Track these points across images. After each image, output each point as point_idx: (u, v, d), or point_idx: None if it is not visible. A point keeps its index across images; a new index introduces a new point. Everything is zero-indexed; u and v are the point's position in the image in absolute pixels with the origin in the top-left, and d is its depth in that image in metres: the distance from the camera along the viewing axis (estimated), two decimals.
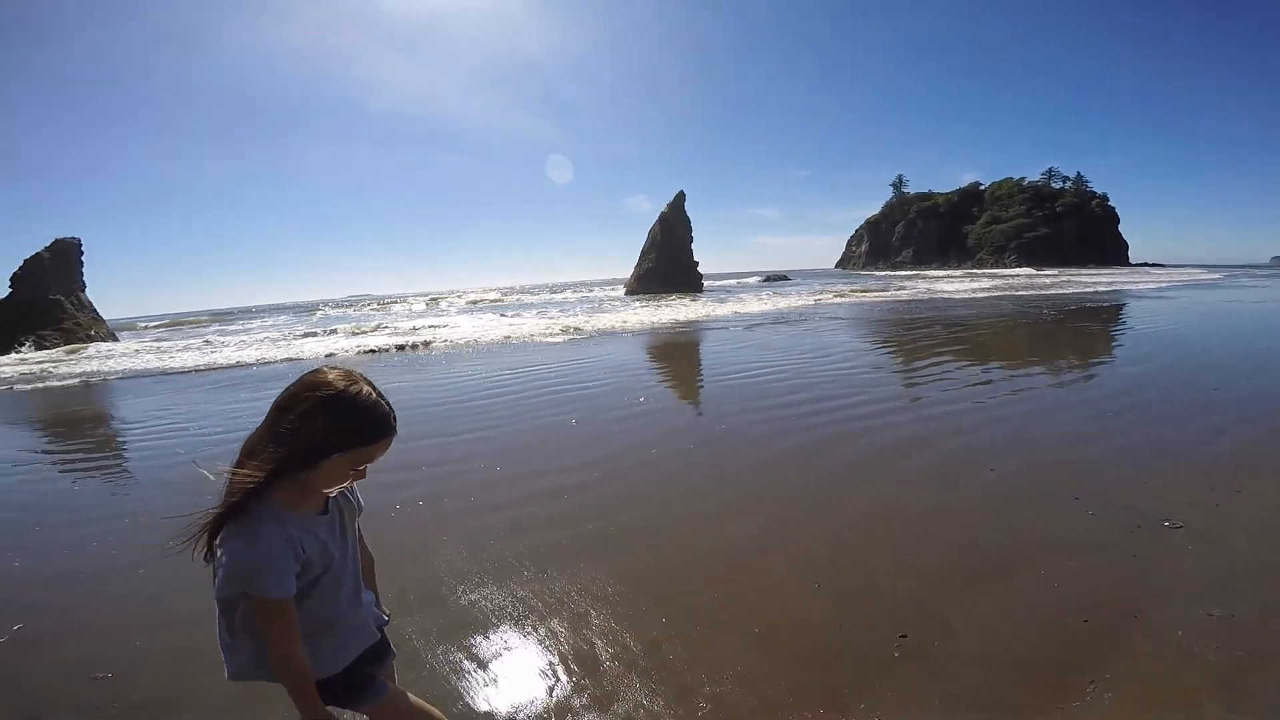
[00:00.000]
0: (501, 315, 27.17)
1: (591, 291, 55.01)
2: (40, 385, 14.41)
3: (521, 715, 2.18)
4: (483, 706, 2.22)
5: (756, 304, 25.98)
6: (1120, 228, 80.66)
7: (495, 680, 2.37)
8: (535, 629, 2.71)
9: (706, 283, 58.66)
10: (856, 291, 32.72)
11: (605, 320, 20.56)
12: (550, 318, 23.81)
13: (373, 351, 16.11)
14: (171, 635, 2.87)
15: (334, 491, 1.39)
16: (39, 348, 25.14)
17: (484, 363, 12.56)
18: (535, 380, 9.78)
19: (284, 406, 1.28)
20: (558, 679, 2.35)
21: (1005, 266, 69.05)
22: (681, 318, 20.79)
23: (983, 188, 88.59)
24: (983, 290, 28.48)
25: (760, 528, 3.62)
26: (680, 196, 45.80)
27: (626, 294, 46.73)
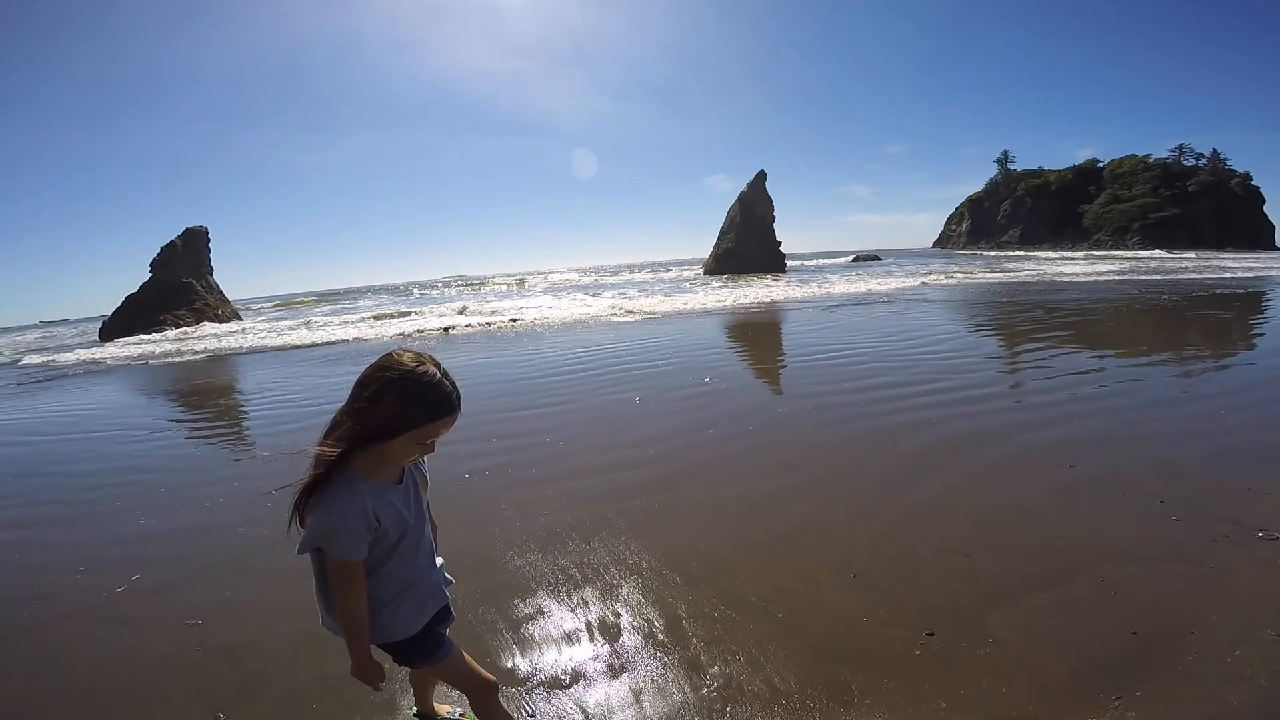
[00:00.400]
0: (580, 296, 27.72)
1: (669, 272, 54.95)
2: (175, 360, 16.32)
3: (539, 676, 2.31)
4: (506, 664, 2.37)
5: (841, 285, 24.86)
6: (1266, 208, 70.52)
7: (522, 641, 2.52)
8: (569, 596, 2.85)
9: (792, 263, 56.98)
10: (958, 272, 30.42)
11: (679, 301, 20.53)
12: (627, 297, 24.06)
13: (448, 329, 16.97)
14: (256, 588, 3.24)
15: (408, 463, 1.54)
16: (174, 326, 28.34)
17: (560, 341, 12.95)
18: (605, 359, 9.99)
19: (361, 385, 1.45)
20: (578, 645, 2.47)
21: (1127, 248, 62.10)
22: (758, 299, 20.38)
23: (1100, 165, 79.92)
24: (1106, 273, 25.59)
25: (807, 516, 3.56)
26: (760, 176, 44.57)
27: (705, 274, 46.33)
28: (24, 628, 3.09)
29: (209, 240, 34.18)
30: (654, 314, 17.21)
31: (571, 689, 2.23)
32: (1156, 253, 47.89)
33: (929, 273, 29.47)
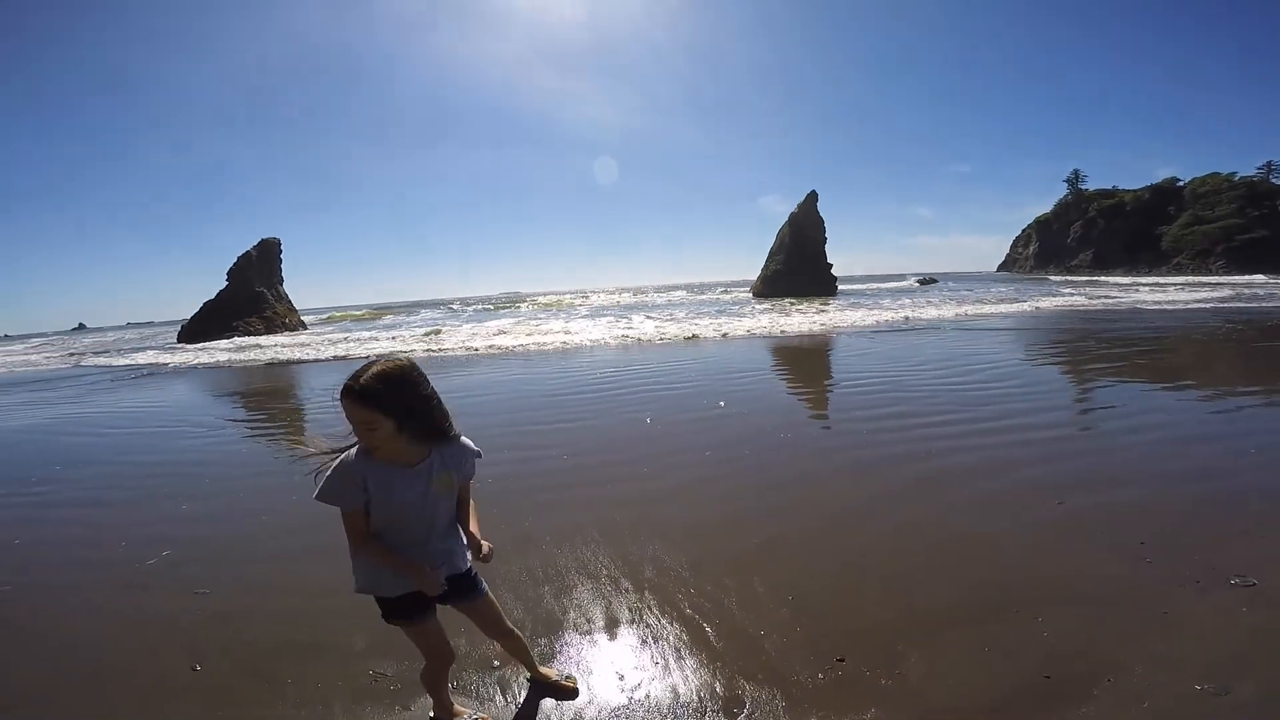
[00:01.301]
0: (621, 317, 28.12)
1: (716, 293, 54.89)
2: (242, 365, 17.56)
3: (474, 654, 2.53)
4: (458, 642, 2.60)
5: (890, 310, 24.26)
6: None
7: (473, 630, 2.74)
8: (526, 593, 3.06)
9: (849, 285, 56.04)
10: (1016, 298, 28.94)
11: (717, 324, 20.58)
12: (669, 318, 24.29)
13: (490, 347, 17.58)
14: (261, 568, 3.66)
15: (368, 444, 1.79)
16: (245, 333, 30.34)
17: (590, 361, 13.29)
18: (629, 380, 10.21)
19: None
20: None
21: (1210, 272, 57.90)
22: (798, 323, 20.21)
23: (1181, 184, 74.91)
24: (1202, 300, 23.23)
25: (769, 538, 3.65)
26: (812, 197, 44.22)
27: (752, 295, 46.12)
28: (66, 585, 3.61)
29: (280, 251, 36.53)
30: (688, 337, 17.35)
31: (499, 670, 2.44)
32: (1258, 278, 44.46)
33: (985, 298, 28.14)
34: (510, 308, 47.11)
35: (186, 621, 3.07)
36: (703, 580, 3.14)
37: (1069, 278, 62.22)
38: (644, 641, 2.65)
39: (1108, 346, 11.88)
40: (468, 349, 16.66)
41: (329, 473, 1.78)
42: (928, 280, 63.08)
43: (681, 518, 4.02)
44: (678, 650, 2.58)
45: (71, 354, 28.15)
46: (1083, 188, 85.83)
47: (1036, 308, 22.69)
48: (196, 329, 31.20)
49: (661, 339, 16.99)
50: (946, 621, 2.65)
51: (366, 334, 26.63)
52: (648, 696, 2.30)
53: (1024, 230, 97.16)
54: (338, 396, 1.73)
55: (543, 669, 2.40)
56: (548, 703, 2.30)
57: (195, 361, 19.49)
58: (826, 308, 27.94)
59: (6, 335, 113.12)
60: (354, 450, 1.79)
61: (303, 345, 22.05)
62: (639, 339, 17.29)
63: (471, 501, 2.06)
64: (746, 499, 4.33)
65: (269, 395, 11.99)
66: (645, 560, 3.41)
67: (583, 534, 3.83)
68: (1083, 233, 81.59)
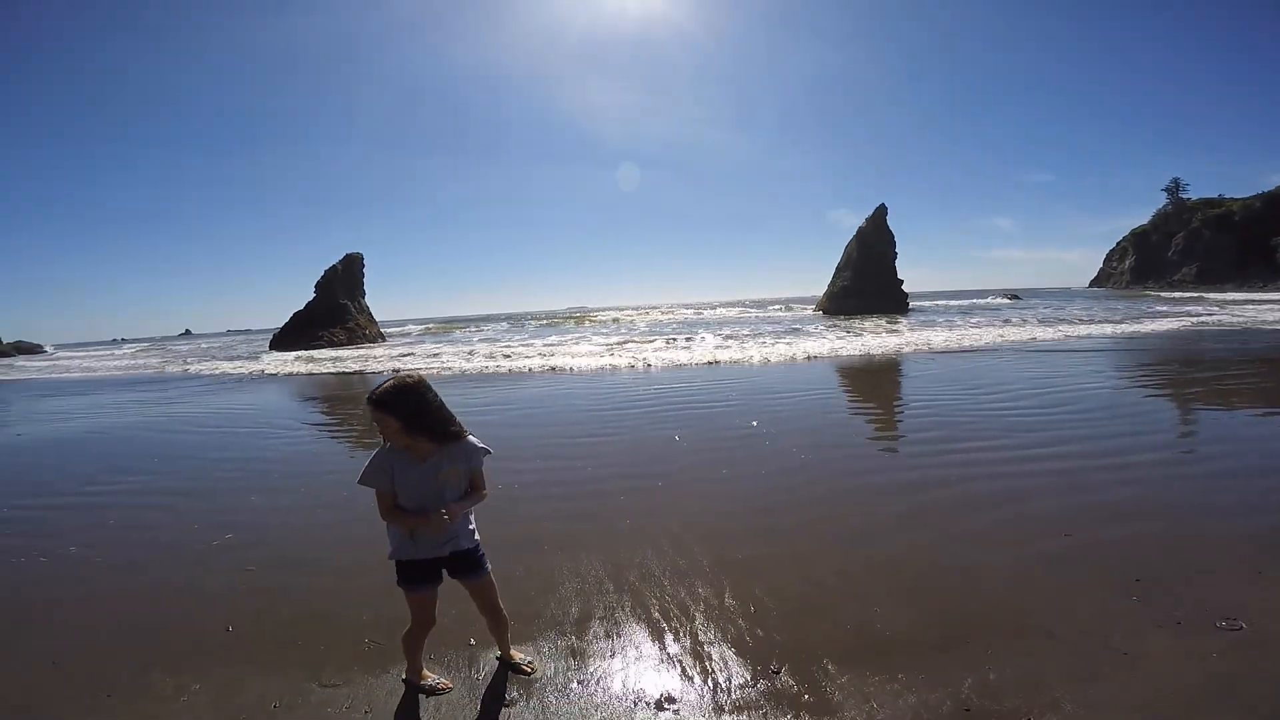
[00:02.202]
0: (676, 335, 28.25)
1: (778, 310, 54.06)
2: (324, 373, 19.01)
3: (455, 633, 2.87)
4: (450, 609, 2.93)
5: (959, 329, 23.00)
6: None
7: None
8: (516, 585, 3.35)
9: (921, 301, 53.92)
10: (1105, 317, 26.35)
11: (773, 347, 20.42)
12: (727, 337, 24.30)
13: (524, 368, 18.18)
14: (305, 552, 4.23)
15: (398, 443, 2.29)
16: (329, 343, 32.58)
17: (636, 378, 13.60)
18: (671, 398, 10.43)
19: None
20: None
21: None
22: (860, 343, 19.77)
23: None
24: None
25: (753, 554, 3.76)
26: (880, 210, 43.04)
27: (818, 312, 45.25)
28: (141, 560, 4.27)
29: (363, 266, 39.07)
30: (740, 359, 17.37)
31: (473, 648, 2.78)
32: None
33: (1074, 315, 26.12)
34: (567, 324, 47.95)
35: (231, 593, 3.60)
36: (678, 588, 3.34)
37: (1171, 294, 57.23)
38: (607, 635, 2.90)
39: (1192, 370, 11.06)
40: (522, 367, 17.36)
41: (367, 464, 2.32)
42: (1009, 296, 59.77)
43: (676, 530, 4.21)
44: (636, 647, 2.80)
45: (177, 358, 31.24)
46: (1185, 197, 78.87)
47: (1143, 329, 21.00)
48: (286, 337, 33.87)
49: (709, 361, 17.09)
50: (894, 647, 2.70)
51: (433, 346, 28.15)
52: (595, 684, 2.55)
53: (1119, 243, 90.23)
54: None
55: (512, 650, 2.71)
56: (506, 678, 2.62)
57: (279, 371, 21.23)
58: (897, 325, 27.04)
59: (122, 339, 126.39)
60: (387, 446, 2.31)
61: (376, 358, 23.57)
62: (686, 362, 17.45)
63: (481, 491, 2.48)
64: (743, 518, 4.46)
65: (343, 402, 13.02)
66: (632, 566, 3.65)
67: (583, 538, 4.13)
68: (1185, 245, 74.82)
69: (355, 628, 3.01)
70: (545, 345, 24.76)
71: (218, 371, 21.97)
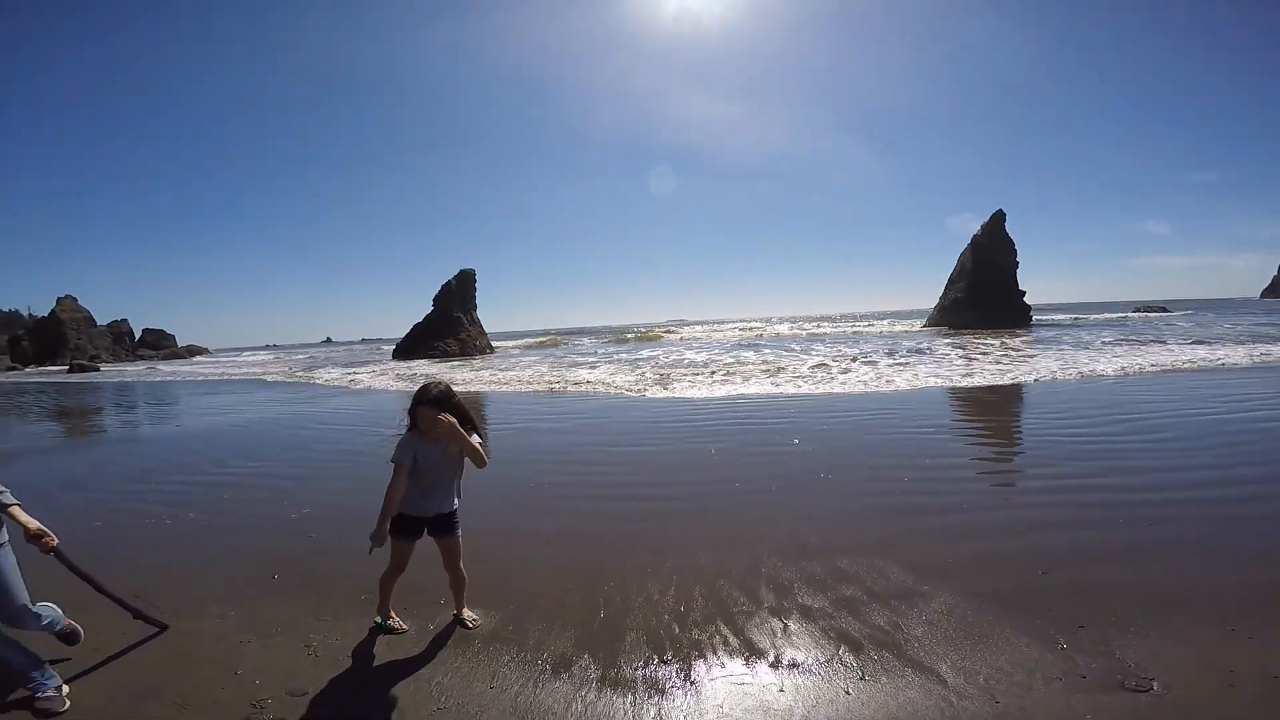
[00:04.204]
0: (759, 350, 27.95)
1: (884, 324, 51.39)
2: (448, 380, 20.98)
3: (428, 591, 3.46)
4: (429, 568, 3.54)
5: (1087, 349, 20.38)
6: None
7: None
8: (497, 570, 3.92)
9: (1048, 315, 49.47)
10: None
11: (855, 373, 19.75)
12: (836, 359, 23.80)
13: (606, 386, 18.83)
14: (357, 525, 4.98)
15: (430, 430, 2.92)
16: (443, 354, 35.51)
17: (697, 394, 13.89)
18: (721, 413, 10.68)
19: None
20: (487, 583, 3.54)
21: None
22: (954, 366, 18.69)
23: None
24: None
25: (719, 564, 3.96)
26: (998, 217, 40.01)
27: (926, 326, 42.78)
28: (237, 526, 5.33)
29: (475, 281, 42.22)
30: (818, 375, 17.06)
31: (441, 607, 3.34)
32: None
33: (1223, 335, 22.02)
34: (656, 340, 47.71)
35: (288, 553, 4.52)
36: (628, 587, 3.68)
37: None
38: (549, 611, 3.39)
39: None
40: (601, 385, 18.16)
41: (396, 447, 3.00)
42: (1155, 308, 52.95)
43: (659, 537, 4.55)
44: (561, 624, 3.25)
45: (315, 363, 35.51)
46: None
47: None
48: (406, 347, 37.43)
49: (773, 377, 16.96)
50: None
51: (532, 358, 30.01)
52: (518, 642, 3.08)
53: None
54: (420, 403, 2.98)
55: (465, 609, 3.30)
56: (454, 629, 3.22)
57: (387, 386, 23.64)
58: (1014, 341, 24.86)
59: (274, 344, 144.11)
60: (411, 434, 3.00)
61: (476, 371, 25.52)
62: (763, 374, 17.43)
63: (469, 461, 3.09)
64: (730, 526, 4.71)
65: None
66: (606, 561, 4.09)
67: (579, 535, 4.65)
68: None
69: (361, 586, 3.67)
70: (622, 362, 25.49)
71: (346, 376, 24.91)
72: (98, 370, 46.12)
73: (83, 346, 63.79)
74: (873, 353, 21.83)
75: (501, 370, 22.40)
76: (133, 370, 45.38)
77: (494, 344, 42.80)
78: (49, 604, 2.94)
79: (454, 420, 2.91)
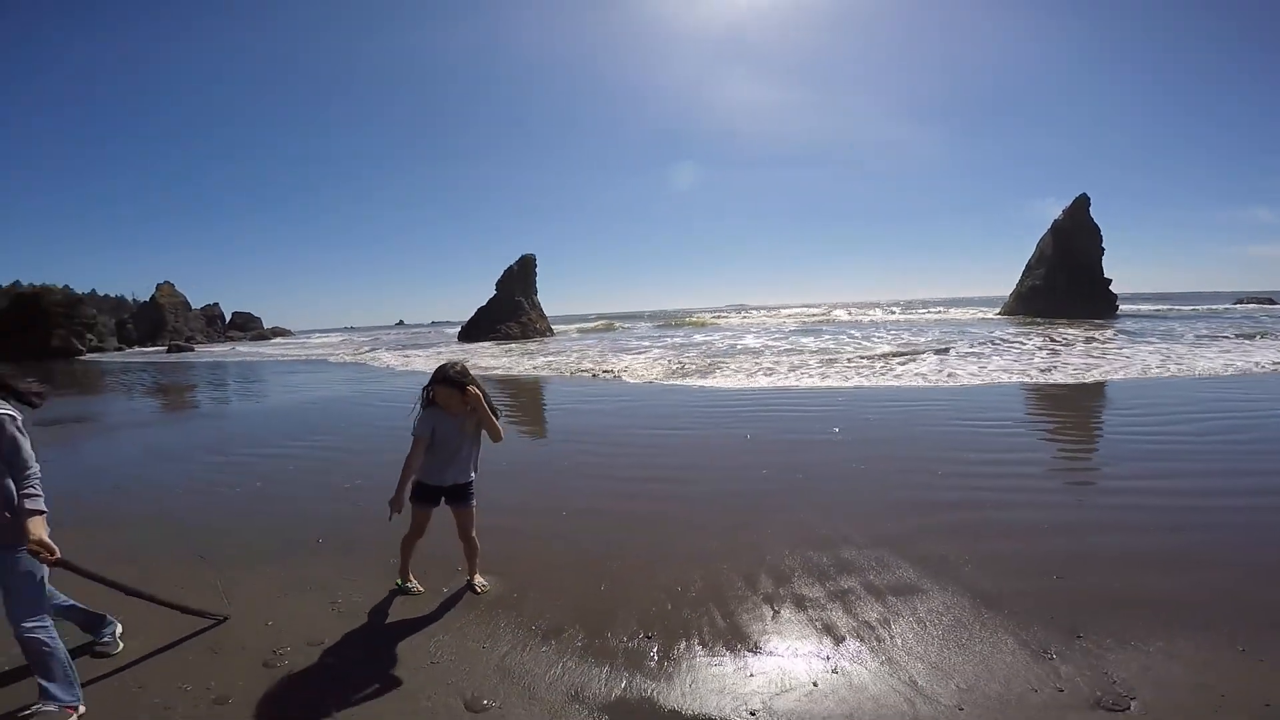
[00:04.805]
0: (819, 336, 27.33)
1: (952, 312, 48.92)
2: (502, 363, 21.73)
3: (448, 559, 3.73)
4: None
5: (1174, 343, 18.89)
6: None
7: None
8: (508, 539, 4.17)
9: (1137, 305, 46.01)
10: None
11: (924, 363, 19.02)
12: (884, 341, 23.13)
13: (666, 372, 18.92)
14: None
15: (452, 406, 3.21)
16: (505, 336, 36.58)
17: (745, 381, 13.83)
18: (765, 400, 10.65)
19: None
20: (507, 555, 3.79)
21: None
22: (1038, 353, 17.73)
23: None
24: None
25: (703, 549, 4.08)
26: (1082, 201, 37.22)
27: (1000, 314, 40.56)
28: (295, 494, 5.86)
29: (536, 265, 43.11)
30: (873, 363, 16.61)
31: (457, 574, 3.61)
32: None
33: None
34: (710, 325, 47.37)
35: (335, 519, 4.95)
36: (632, 565, 3.85)
37: None
38: (553, 582, 3.62)
39: None
40: (646, 370, 18.28)
41: (418, 420, 3.25)
42: (1262, 299, 48.02)
43: (673, 519, 4.69)
44: (562, 595, 3.46)
45: (378, 345, 37.35)
46: None
47: None
48: (471, 330, 38.80)
49: (821, 366, 16.59)
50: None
51: (589, 342, 30.57)
52: (518, 608, 3.33)
53: None
54: (432, 381, 3.25)
55: (477, 575, 3.57)
56: (464, 594, 3.50)
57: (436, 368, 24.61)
58: (1092, 330, 23.42)
59: (351, 326, 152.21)
60: (431, 410, 3.25)
61: (531, 356, 26.21)
62: (811, 362, 17.12)
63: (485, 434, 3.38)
64: (746, 514, 4.75)
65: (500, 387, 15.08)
66: (617, 539, 4.29)
67: (597, 513, 4.87)
68: None
69: (391, 552, 3.89)
70: (701, 352, 25.48)
71: (414, 357, 26.20)
72: (192, 350, 50.25)
73: (179, 328, 69.47)
74: (939, 341, 21.01)
75: (555, 355, 22.93)
76: (218, 350, 49.23)
77: (553, 327, 43.72)
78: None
79: (481, 393, 3.17)
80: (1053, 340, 20.39)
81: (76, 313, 54.24)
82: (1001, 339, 21.12)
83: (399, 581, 3.56)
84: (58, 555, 2.32)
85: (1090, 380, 11.80)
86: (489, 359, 22.92)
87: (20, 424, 2.33)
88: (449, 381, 3.17)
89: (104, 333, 57.88)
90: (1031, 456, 6.41)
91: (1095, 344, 18.86)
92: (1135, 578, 3.52)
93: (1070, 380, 11.81)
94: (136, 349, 60.53)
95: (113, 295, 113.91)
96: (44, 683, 2.36)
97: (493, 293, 41.00)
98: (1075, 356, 15.53)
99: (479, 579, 3.56)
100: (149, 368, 30.65)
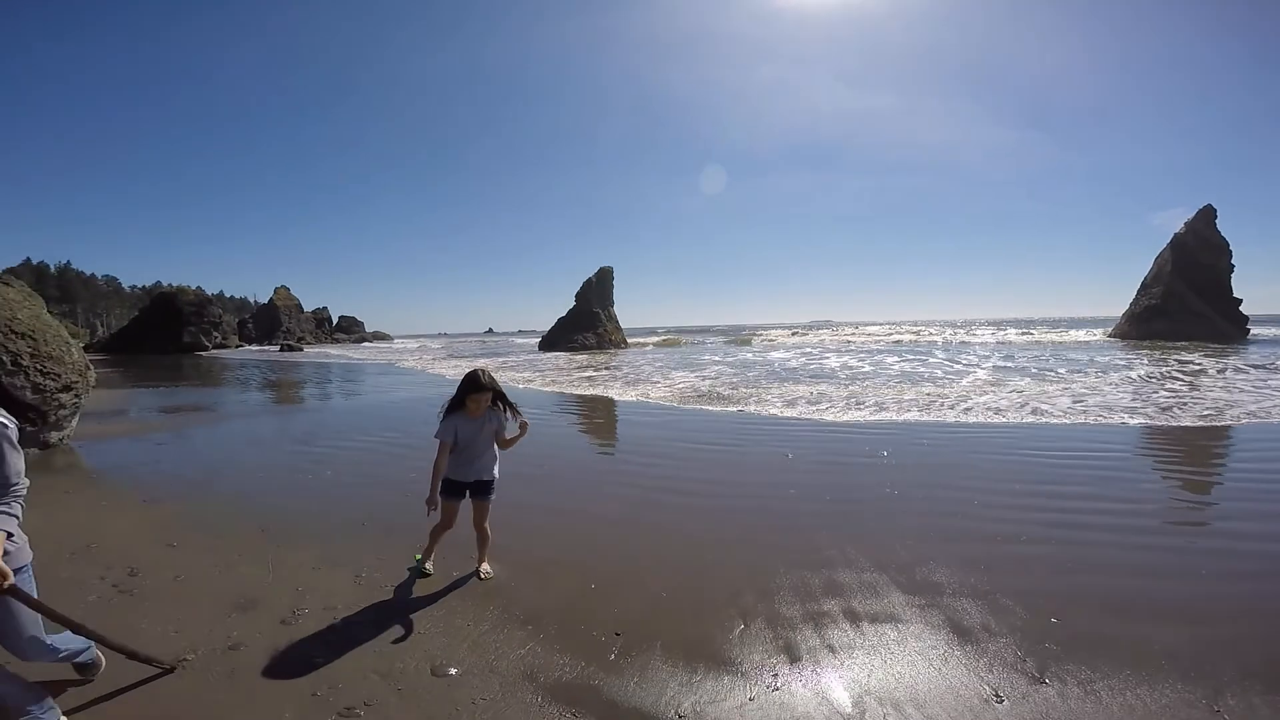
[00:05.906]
0: (902, 356, 26.18)
1: (1062, 334, 45.08)
2: (577, 374, 22.52)
3: (468, 550, 4.13)
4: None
5: None
6: None
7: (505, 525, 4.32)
8: (529, 536, 4.53)
9: (1271, 329, 40.85)
10: None
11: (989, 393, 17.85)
12: (972, 366, 21.97)
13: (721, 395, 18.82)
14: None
15: (478, 412, 3.67)
16: (582, 346, 37.67)
17: (799, 406, 13.63)
18: (817, 423, 10.50)
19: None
20: (529, 537, 4.15)
21: None
22: (1146, 383, 16.29)
23: None
24: None
25: (703, 561, 4.22)
26: (1207, 212, 33.53)
27: (1110, 336, 37.21)
28: (358, 483, 6.52)
29: (613, 278, 44.15)
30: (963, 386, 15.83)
31: (471, 563, 3.99)
32: None
33: None
34: (780, 343, 46.48)
35: (383, 506, 5.58)
36: (628, 570, 4.07)
37: None
38: (551, 578, 3.94)
39: None
40: (703, 388, 18.26)
41: (441, 424, 3.62)
42: None
43: (682, 530, 4.86)
44: (554, 589, 3.76)
45: (453, 353, 39.39)
46: None
47: None
48: (550, 340, 40.25)
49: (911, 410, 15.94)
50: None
51: (657, 355, 30.83)
52: (510, 596, 3.67)
53: None
54: (471, 390, 3.61)
55: (484, 563, 3.98)
56: (470, 579, 3.93)
57: (523, 382, 25.64)
58: (1222, 363, 20.83)
59: (443, 332, 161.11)
60: (455, 413, 3.62)
61: (604, 366, 26.79)
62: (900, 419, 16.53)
63: (504, 441, 3.85)
64: (755, 531, 4.84)
65: (570, 402, 15.73)
66: (623, 545, 4.54)
67: (614, 519, 5.15)
68: None
69: (423, 537, 4.31)
70: (763, 369, 25.10)
71: (497, 361, 27.55)
72: (301, 350, 55.43)
73: (292, 329, 76.56)
74: (1032, 366, 19.65)
75: (616, 369, 23.39)
76: (331, 350, 53.87)
77: (629, 340, 44.48)
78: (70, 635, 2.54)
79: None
80: (1165, 367, 18.48)
81: (205, 312, 61.43)
82: (1112, 364, 19.43)
83: (417, 557, 4.05)
84: (10, 583, 2.10)
85: (1220, 424, 10.71)
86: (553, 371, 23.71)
87: (14, 438, 2.15)
88: (483, 389, 3.57)
89: (227, 331, 64.99)
90: (1079, 490, 5.95)
91: (1222, 369, 16.91)
92: (1139, 625, 3.32)
93: (1197, 423, 10.66)
94: (254, 346, 67.06)
95: (237, 296, 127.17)
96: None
97: (572, 304, 42.38)
98: (1193, 389, 13.88)
99: (485, 566, 3.95)
100: (261, 364, 34.10)
